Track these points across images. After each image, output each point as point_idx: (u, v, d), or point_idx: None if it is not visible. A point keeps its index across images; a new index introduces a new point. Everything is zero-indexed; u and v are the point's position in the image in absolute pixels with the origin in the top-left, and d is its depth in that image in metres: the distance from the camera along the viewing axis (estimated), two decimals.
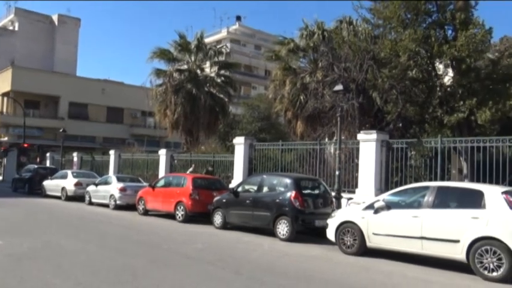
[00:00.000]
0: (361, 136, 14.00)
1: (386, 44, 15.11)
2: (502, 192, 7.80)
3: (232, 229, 12.78)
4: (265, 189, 12.42)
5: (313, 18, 24.57)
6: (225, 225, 12.93)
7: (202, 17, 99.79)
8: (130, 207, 17.31)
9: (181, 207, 14.57)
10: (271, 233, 11.58)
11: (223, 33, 60.82)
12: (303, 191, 11.67)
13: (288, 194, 11.46)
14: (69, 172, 22.97)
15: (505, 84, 14.29)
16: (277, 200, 11.66)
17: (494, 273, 7.37)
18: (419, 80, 15.17)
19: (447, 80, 15.49)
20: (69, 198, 21.20)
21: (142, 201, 16.42)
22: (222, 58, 31.24)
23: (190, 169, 15.99)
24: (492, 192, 7.90)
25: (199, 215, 14.45)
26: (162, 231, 12.46)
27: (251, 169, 17.51)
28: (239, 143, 18.10)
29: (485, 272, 7.46)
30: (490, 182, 10.70)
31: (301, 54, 23.96)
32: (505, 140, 11.28)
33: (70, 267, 7.26)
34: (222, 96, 29.48)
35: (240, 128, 31.85)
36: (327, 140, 17.41)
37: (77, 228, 12.15)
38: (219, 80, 29.54)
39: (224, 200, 13.20)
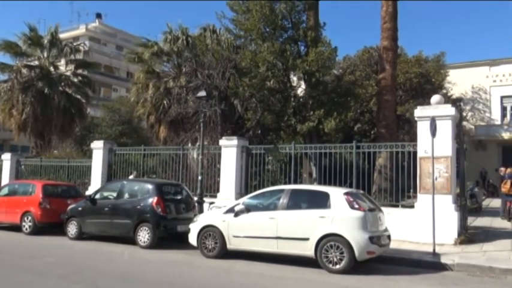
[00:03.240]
0: (222, 142, 14.49)
1: (247, 54, 15.98)
2: (344, 193, 8.80)
3: (89, 239, 12.05)
4: (125, 195, 12.00)
5: (177, 23, 24.49)
6: (81, 236, 12.15)
7: (57, 10, 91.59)
8: None
9: (29, 218, 13.27)
10: (132, 241, 11.22)
11: (82, 30, 56.84)
12: (165, 197, 11.56)
13: (150, 200, 11.25)
14: None
15: (347, 98, 16.29)
16: (138, 207, 11.36)
17: (337, 266, 8.27)
18: (276, 90, 16.33)
19: (300, 91, 16.98)
20: None
21: None
22: (79, 56, 29.47)
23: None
24: (336, 194, 8.85)
25: (50, 226, 13.27)
26: (5, 246, 11.22)
27: (110, 175, 16.80)
28: (97, 147, 17.25)
29: (330, 266, 8.32)
30: (335, 184, 12.08)
31: (165, 58, 23.78)
32: (346, 146, 12.83)
33: None
34: (79, 97, 27.67)
35: (99, 131, 30.28)
36: (190, 145, 17.58)
37: None
38: (75, 80, 27.64)
39: (80, 208, 12.39)
